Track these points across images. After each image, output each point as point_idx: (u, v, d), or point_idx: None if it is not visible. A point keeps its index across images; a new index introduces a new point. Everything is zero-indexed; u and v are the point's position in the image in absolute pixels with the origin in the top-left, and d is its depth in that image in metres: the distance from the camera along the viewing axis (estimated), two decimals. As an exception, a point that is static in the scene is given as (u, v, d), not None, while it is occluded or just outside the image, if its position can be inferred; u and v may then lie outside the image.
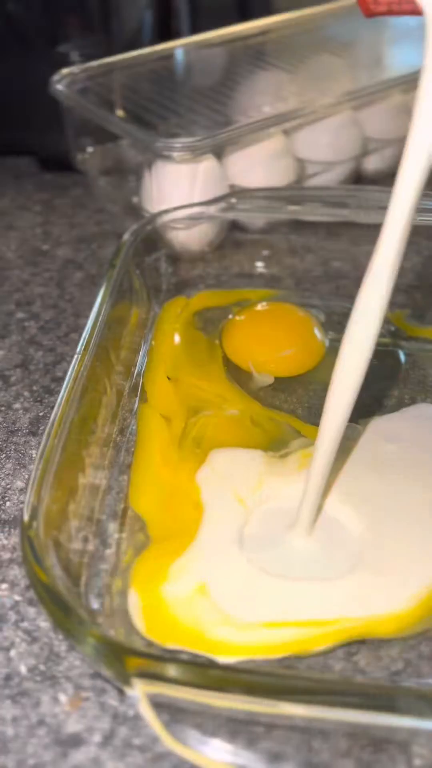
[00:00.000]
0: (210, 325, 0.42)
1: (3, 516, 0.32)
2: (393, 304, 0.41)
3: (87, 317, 0.34)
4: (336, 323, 0.41)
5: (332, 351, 0.39)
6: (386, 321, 0.40)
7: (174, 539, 0.30)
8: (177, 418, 0.35)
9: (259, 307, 0.42)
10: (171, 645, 0.26)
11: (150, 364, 0.38)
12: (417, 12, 0.21)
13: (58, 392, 0.30)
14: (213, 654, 0.26)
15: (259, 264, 0.47)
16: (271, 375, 0.38)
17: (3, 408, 0.38)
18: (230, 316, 0.41)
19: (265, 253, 0.47)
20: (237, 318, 0.41)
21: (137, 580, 0.28)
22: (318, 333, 0.40)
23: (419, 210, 0.41)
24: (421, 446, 0.34)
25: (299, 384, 0.38)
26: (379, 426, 0.35)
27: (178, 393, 0.36)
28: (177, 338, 0.40)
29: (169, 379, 0.37)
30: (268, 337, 0.40)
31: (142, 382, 0.37)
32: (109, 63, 0.53)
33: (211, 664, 0.24)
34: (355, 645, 0.27)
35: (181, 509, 0.31)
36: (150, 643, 0.26)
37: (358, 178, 0.54)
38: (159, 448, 0.34)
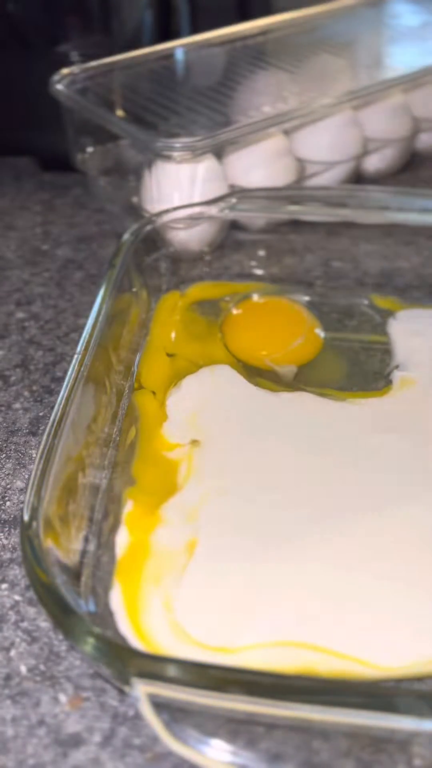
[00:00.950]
0: (206, 312, 0.42)
1: (3, 516, 0.32)
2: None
3: (87, 317, 0.34)
4: (335, 320, 0.41)
5: (328, 340, 0.40)
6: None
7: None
8: (163, 389, 0.36)
9: (253, 304, 0.42)
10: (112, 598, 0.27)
11: (145, 356, 0.38)
12: None
13: (58, 392, 0.30)
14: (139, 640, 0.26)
15: (259, 264, 0.47)
16: (293, 365, 0.38)
17: (3, 408, 0.38)
18: (232, 311, 0.42)
19: (265, 253, 0.47)
20: (237, 319, 0.41)
21: (129, 518, 0.29)
22: (313, 321, 0.41)
23: (419, 210, 0.42)
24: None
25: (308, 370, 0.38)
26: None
27: (173, 367, 0.37)
28: (173, 334, 0.40)
29: (169, 356, 0.37)
30: (276, 332, 0.40)
31: (137, 371, 0.37)
32: (109, 63, 0.53)
33: (211, 664, 0.24)
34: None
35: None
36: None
37: (358, 178, 0.54)
38: (152, 424, 0.34)
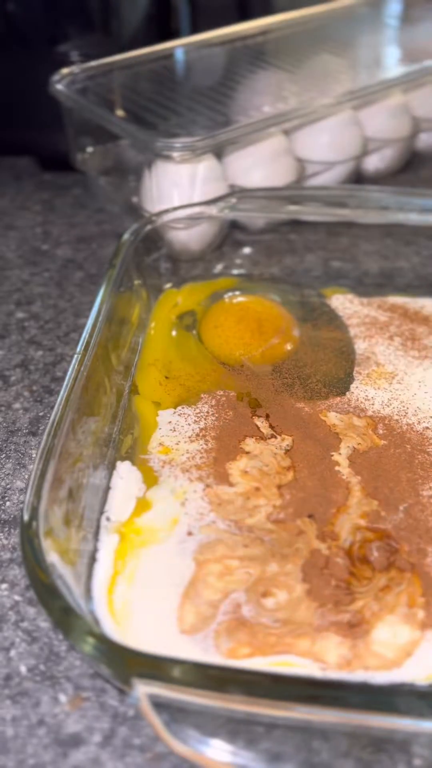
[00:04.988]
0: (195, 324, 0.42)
1: (3, 516, 0.32)
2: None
3: (87, 317, 0.34)
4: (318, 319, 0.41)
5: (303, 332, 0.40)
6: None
7: None
8: (167, 402, 0.36)
9: (231, 304, 0.42)
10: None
11: (143, 358, 0.38)
12: None
13: (58, 392, 0.30)
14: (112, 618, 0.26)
15: (259, 264, 0.47)
16: (268, 364, 0.38)
17: (3, 408, 0.38)
18: (209, 310, 0.42)
19: (265, 252, 0.47)
20: (214, 319, 0.41)
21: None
22: (290, 320, 0.41)
23: (419, 210, 0.42)
24: None
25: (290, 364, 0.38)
26: None
27: (167, 388, 0.37)
28: (174, 332, 0.40)
29: (167, 378, 0.37)
30: (252, 332, 0.40)
31: (134, 375, 0.37)
32: (109, 63, 0.53)
33: (211, 665, 0.24)
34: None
35: None
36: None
37: (358, 178, 0.54)
38: (149, 431, 0.34)
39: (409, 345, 0.39)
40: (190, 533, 0.29)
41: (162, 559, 0.28)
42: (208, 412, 0.35)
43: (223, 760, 0.23)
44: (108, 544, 0.29)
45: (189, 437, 0.33)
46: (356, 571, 0.28)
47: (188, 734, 0.23)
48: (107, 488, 0.31)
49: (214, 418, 0.34)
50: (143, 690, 0.22)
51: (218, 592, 0.27)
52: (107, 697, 0.26)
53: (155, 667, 0.22)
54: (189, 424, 0.34)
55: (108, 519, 0.30)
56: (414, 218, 0.42)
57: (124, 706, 0.26)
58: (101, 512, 0.30)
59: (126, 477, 0.31)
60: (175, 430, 0.34)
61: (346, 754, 0.24)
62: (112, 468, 0.32)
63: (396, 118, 0.53)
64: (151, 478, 0.32)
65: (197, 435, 0.33)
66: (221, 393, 0.36)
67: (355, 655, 0.25)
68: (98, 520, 0.30)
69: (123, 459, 0.32)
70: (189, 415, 0.34)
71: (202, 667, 0.23)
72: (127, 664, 0.22)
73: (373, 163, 0.54)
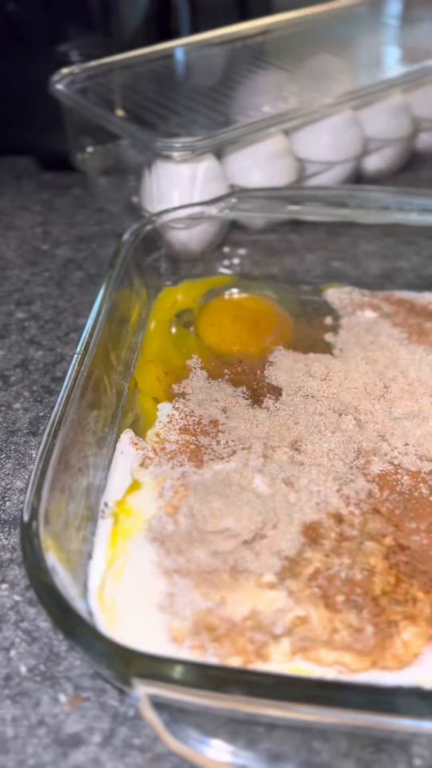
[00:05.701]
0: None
1: (3, 516, 0.32)
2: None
3: (87, 317, 0.34)
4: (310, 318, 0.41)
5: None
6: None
7: None
8: (165, 397, 0.36)
9: (227, 300, 0.43)
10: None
11: (142, 356, 0.38)
12: None
13: (58, 392, 0.30)
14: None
15: (259, 264, 0.47)
16: (264, 361, 0.38)
17: (3, 408, 0.38)
18: (206, 307, 0.42)
19: (265, 252, 0.47)
20: (211, 316, 0.41)
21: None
22: (285, 318, 0.41)
23: (419, 210, 0.42)
24: None
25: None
26: None
27: (167, 382, 0.37)
28: (173, 330, 0.40)
29: (166, 374, 0.37)
30: (249, 329, 0.40)
31: (134, 372, 0.37)
32: (109, 63, 0.53)
33: (211, 665, 0.24)
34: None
35: None
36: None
37: (358, 178, 0.54)
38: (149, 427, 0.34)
39: (413, 339, 0.39)
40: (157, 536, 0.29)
41: (143, 556, 0.28)
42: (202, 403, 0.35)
43: (223, 760, 0.23)
44: (103, 533, 0.29)
45: (180, 428, 0.34)
46: (383, 585, 0.27)
47: (188, 734, 0.23)
48: (107, 487, 0.31)
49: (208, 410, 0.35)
50: (143, 690, 0.22)
51: (205, 599, 0.27)
52: (107, 697, 0.26)
53: (155, 667, 0.22)
54: (183, 418, 0.34)
55: (106, 504, 0.30)
56: (414, 218, 0.42)
57: (124, 706, 0.26)
58: (101, 511, 0.30)
59: (126, 451, 0.32)
60: (171, 421, 0.34)
61: (346, 754, 0.24)
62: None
63: (396, 118, 0.53)
64: (144, 464, 0.32)
65: (188, 426, 0.34)
66: None
67: (373, 660, 0.25)
68: (98, 519, 0.30)
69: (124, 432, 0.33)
70: (184, 409, 0.35)
71: (202, 667, 0.23)
72: (128, 664, 0.22)
73: (373, 163, 0.54)
